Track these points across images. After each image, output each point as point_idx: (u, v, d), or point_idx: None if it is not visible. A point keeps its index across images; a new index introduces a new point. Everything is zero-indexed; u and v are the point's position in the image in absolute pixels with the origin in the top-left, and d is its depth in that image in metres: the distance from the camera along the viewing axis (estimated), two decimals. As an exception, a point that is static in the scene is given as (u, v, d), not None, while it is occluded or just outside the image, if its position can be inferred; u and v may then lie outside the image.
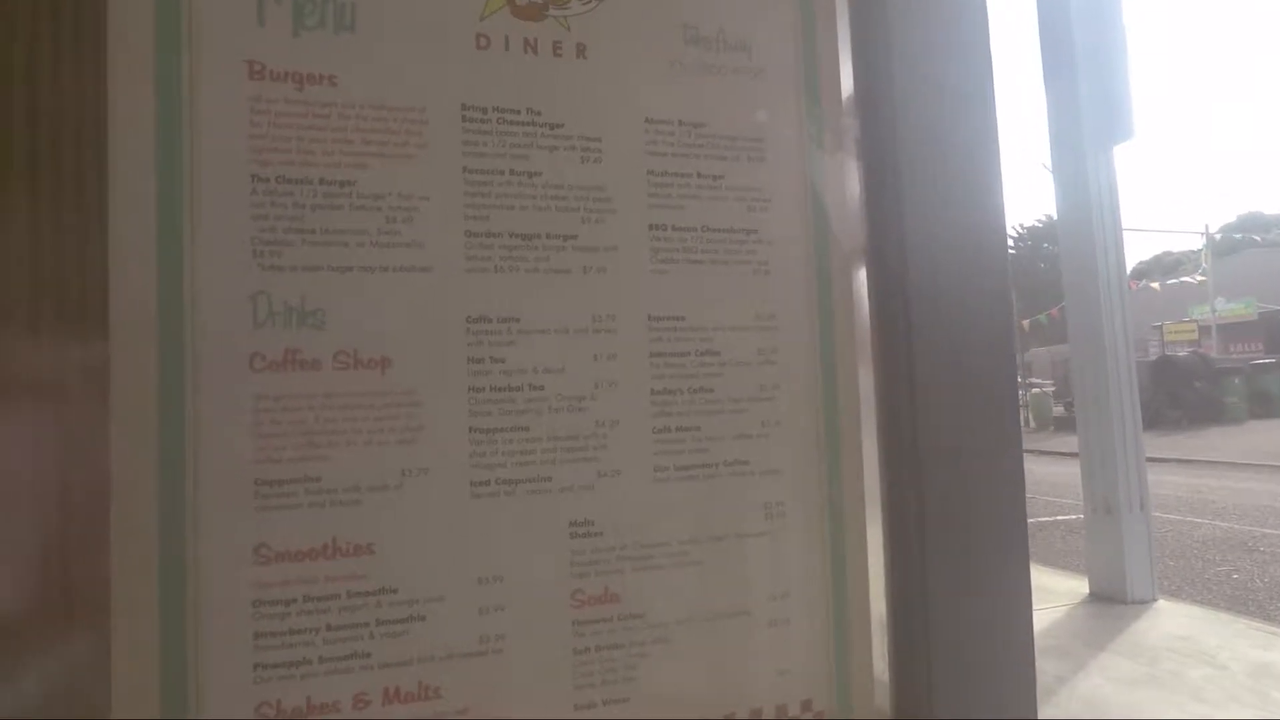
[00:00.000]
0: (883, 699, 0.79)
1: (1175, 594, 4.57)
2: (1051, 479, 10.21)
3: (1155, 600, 4.01)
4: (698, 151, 0.75)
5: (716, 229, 0.75)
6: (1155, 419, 15.13)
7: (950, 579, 0.77)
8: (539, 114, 0.70)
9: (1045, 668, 3.04)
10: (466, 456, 0.66)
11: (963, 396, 0.79)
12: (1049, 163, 4.75)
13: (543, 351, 0.68)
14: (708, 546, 0.72)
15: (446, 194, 0.67)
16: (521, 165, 0.69)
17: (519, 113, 0.70)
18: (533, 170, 0.70)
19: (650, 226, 0.73)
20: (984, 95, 0.81)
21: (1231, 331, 27.46)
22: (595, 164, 0.71)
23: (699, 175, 0.75)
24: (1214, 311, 26.48)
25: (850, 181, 0.81)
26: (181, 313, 0.60)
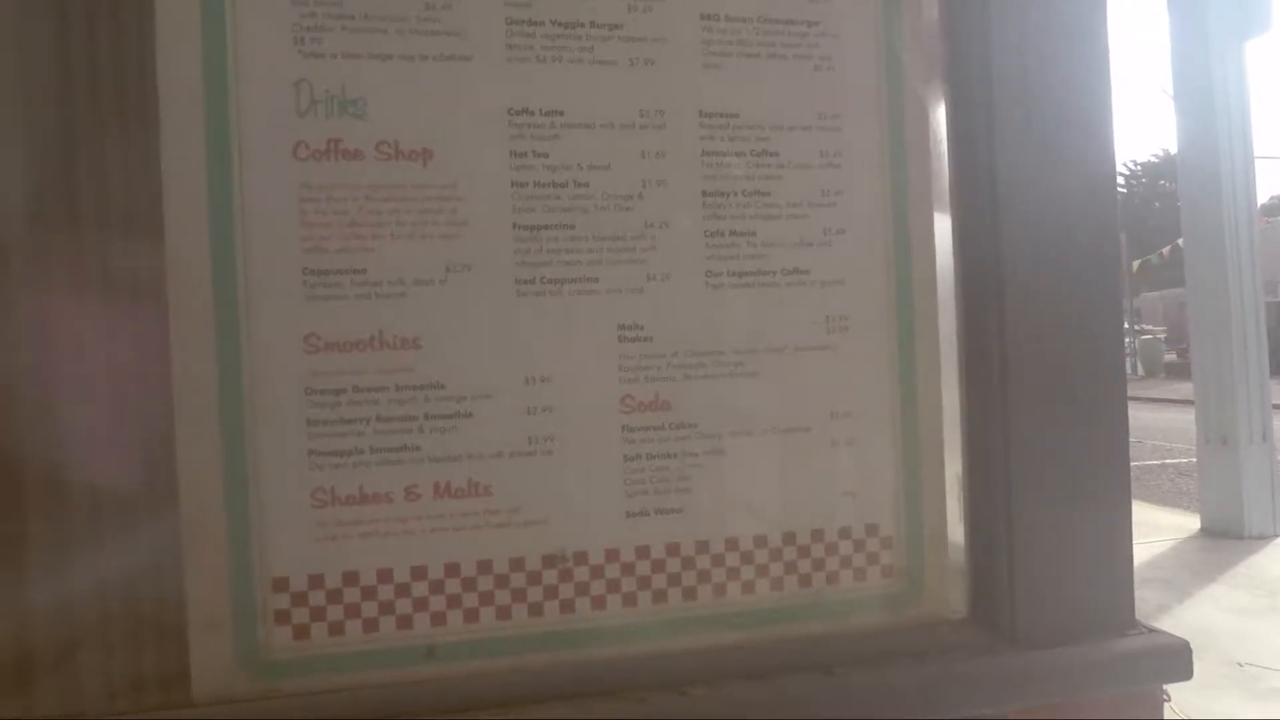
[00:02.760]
0: (956, 533, 0.74)
1: (1301, 536, 4.22)
2: (1161, 424, 9.58)
3: (1277, 536, 3.72)
4: (753, -66, 0.69)
5: (775, 19, 0.69)
6: (1284, 364, 13.90)
7: (1036, 448, 0.70)
8: (581, -105, 0.66)
9: (1147, 597, 2.88)
10: (511, 254, 0.64)
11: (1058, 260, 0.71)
12: (1170, 86, 4.30)
13: (588, 147, 0.65)
14: (764, 358, 0.69)
15: (485, -20, 0.64)
16: (563, -51, 0.65)
17: (559, -107, 0.66)
18: (574, -46, 0.65)
19: (702, 16, 0.68)
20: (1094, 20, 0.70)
21: (1380, 268, 24.70)
22: (641, -52, 0.67)
23: (755, -40, 0.69)
24: (1360, 246, 23.85)
25: (926, -32, 0.73)
26: (226, 100, 0.60)
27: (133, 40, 0.60)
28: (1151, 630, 0.73)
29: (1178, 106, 4.19)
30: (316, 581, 0.62)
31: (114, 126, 0.60)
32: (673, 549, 0.67)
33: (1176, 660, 0.71)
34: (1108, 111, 0.72)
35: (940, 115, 0.73)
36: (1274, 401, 4.13)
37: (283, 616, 0.61)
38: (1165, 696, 0.73)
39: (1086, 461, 0.72)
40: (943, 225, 0.73)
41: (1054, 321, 0.70)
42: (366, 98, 0.62)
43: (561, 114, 0.65)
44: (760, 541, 0.69)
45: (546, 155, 0.65)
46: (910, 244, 0.72)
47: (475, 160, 0.64)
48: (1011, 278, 0.70)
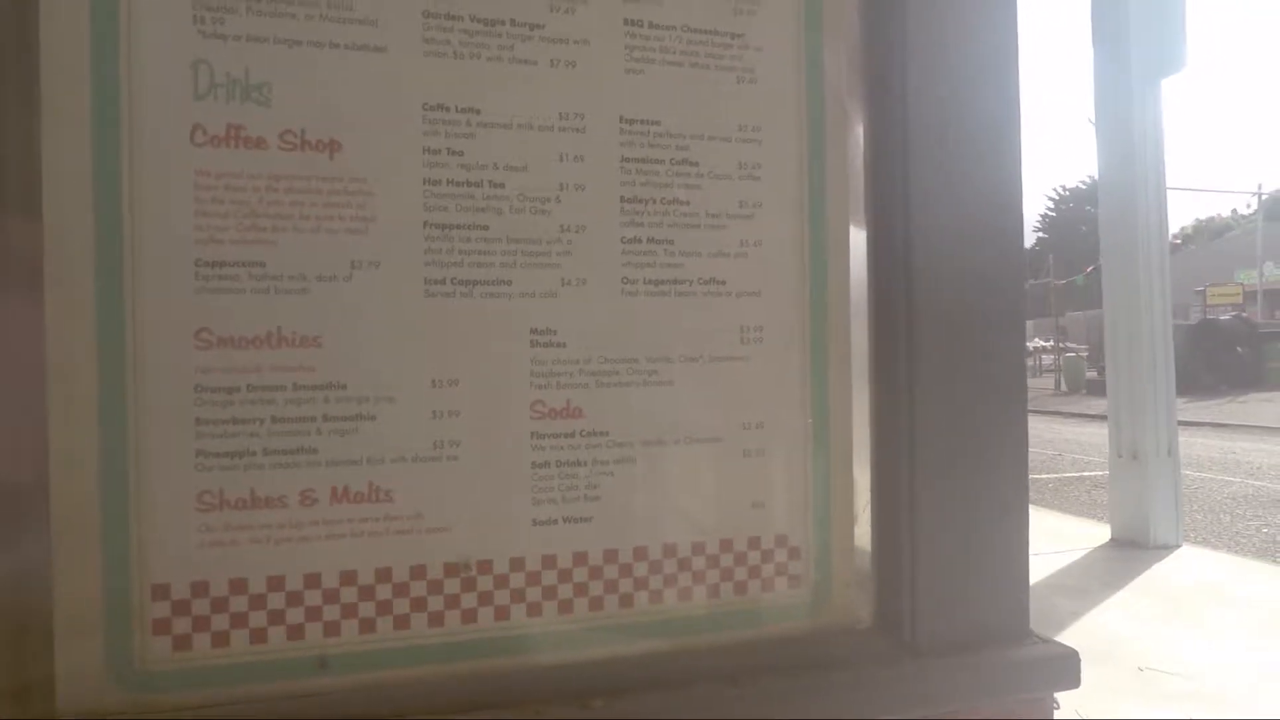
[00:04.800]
0: (864, 543, 0.76)
1: (1201, 545, 4.48)
2: (1081, 439, 10.04)
3: (1179, 546, 3.93)
4: (680, -57, 0.69)
5: (699, 30, 0.69)
6: (1192, 383, 14.74)
7: (940, 462, 0.72)
8: (505, -109, 0.65)
9: (1059, 604, 3.01)
10: (421, 252, 0.62)
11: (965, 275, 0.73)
12: (1094, 116, 4.50)
13: (504, 147, 0.64)
14: (679, 367, 0.69)
15: (402, -30, 0.62)
16: (484, -55, 0.64)
17: (483, -113, 0.64)
18: (497, -49, 0.64)
19: (626, 21, 0.67)
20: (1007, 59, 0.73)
21: (1279, 297, 26.48)
22: (566, -51, 0.66)
23: (680, -31, 0.69)
24: (1262, 276, 25.49)
25: (849, -11, 0.74)
26: (116, 77, 0.57)
27: (12, 6, 0.56)
28: (1044, 640, 0.76)
29: (1099, 136, 4.41)
30: (200, 589, 0.59)
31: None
32: (580, 558, 0.66)
33: (1066, 669, 0.74)
34: (1016, 135, 0.75)
35: (858, 133, 0.75)
36: (1181, 418, 4.37)
37: (162, 625, 0.58)
38: (1055, 705, 0.75)
39: (987, 476, 0.74)
40: (858, 239, 0.75)
41: (959, 337, 0.72)
42: (271, 83, 0.60)
43: (478, 112, 0.64)
44: (669, 551, 0.68)
45: (461, 153, 0.63)
46: (826, 258, 0.73)
47: (386, 154, 0.62)
48: (921, 293, 0.71)
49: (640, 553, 0.68)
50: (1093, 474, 6.97)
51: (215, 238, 0.59)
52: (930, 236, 0.71)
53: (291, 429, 0.60)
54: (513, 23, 0.64)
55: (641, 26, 0.68)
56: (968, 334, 0.72)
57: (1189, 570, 3.57)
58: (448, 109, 0.63)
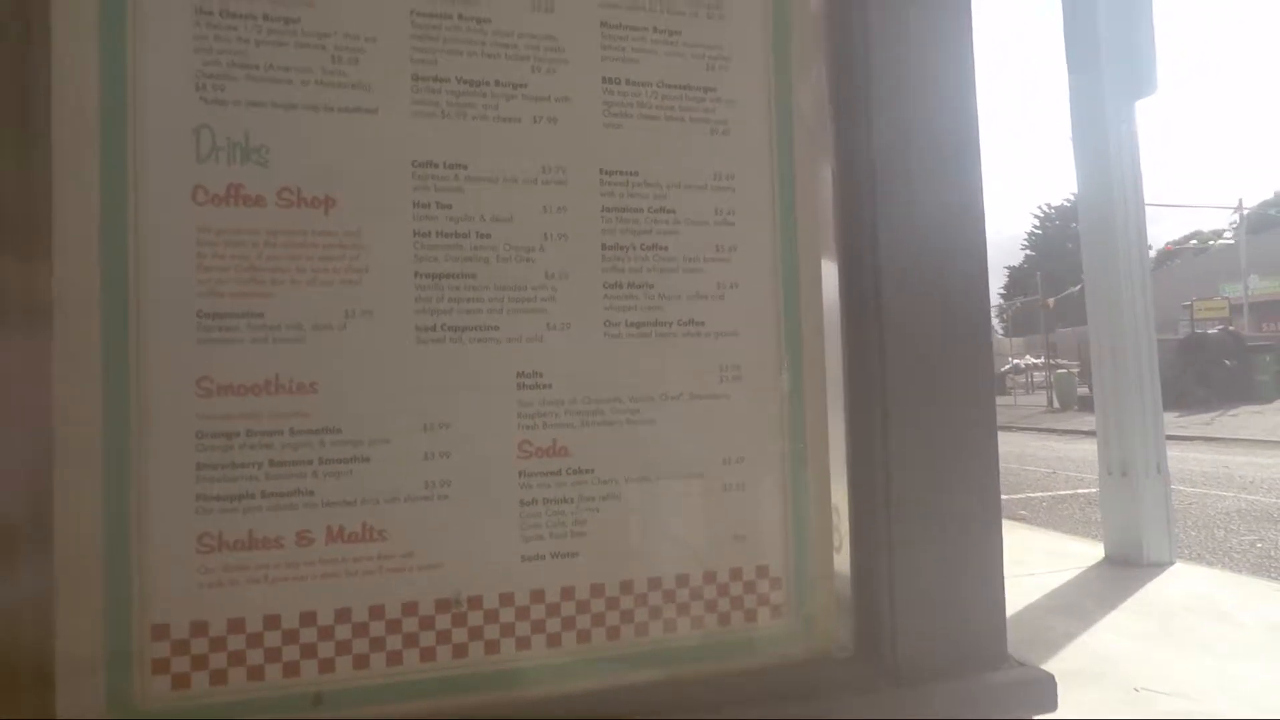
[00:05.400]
0: (843, 565, 0.78)
1: (1195, 561, 4.49)
2: (1075, 455, 10.09)
3: (1172, 563, 3.94)
4: (654, 5, 0.73)
5: (674, 85, 0.73)
6: (1182, 397, 14.82)
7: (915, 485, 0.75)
8: (489, -40, 0.69)
9: (1054, 624, 3.02)
10: (412, 301, 0.66)
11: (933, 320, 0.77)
12: (1071, 137, 4.60)
13: (490, 200, 0.68)
14: (660, 406, 0.72)
15: (393, 36, 0.66)
16: (470, 10, 0.68)
17: (468, -42, 0.68)
18: (482, 16, 0.68)
19: (604, 79, 0.71)
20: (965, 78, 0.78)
21: (1265, 309, 26.75)
22: (547, 13, 0.70)
23: (655, 30, 0.73)
24: (1246, 290, 25.77)
25: (815, 44, 0.79)
26: (125, 142, 0.60)
27: (29, 71, 0.59)
28: (1021, 664, 0.78)
29: (1077, 157, 4.50)
30: (199, 629, 0.61)
31: (7, 156, 0.60)
32: (568, 592, 0.68)
33: (1043, 693, 0.76)
34: (978, 174, 0.78)
35: (827, 175, 0.79)
36: (1173, 433, 4.40)
37: (161, 665, 0.60)
38: (1035, 727, 0.77)
39: (961, 505, 0.77)
40: (830, 276, 0.78)
41: (928, 365, 0.75)
42: (269, 145, 0.63)
43: (465, 167, 0.67)
44: (654, 584, 0.71)
45: (450, 206, 0.67)
46: (799, 297, 0.76)
47: (378, 209, 0.65)
48: (891, 326, 0.75)
49: (626, 586, 0.70)
50: (1086, 491, 7.00)
51: (216, 290, 0.62)
52: (899, 272, 0.75)
53: (289, 472, 0.63)
54: (497, 83, 0.68)
55: (619, 83, 0.71)
56: (937, 362, 0.76)
57: (1183, 588, 3.59)
58: (436, 165, 0.66)
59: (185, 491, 0.61)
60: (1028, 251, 45.04)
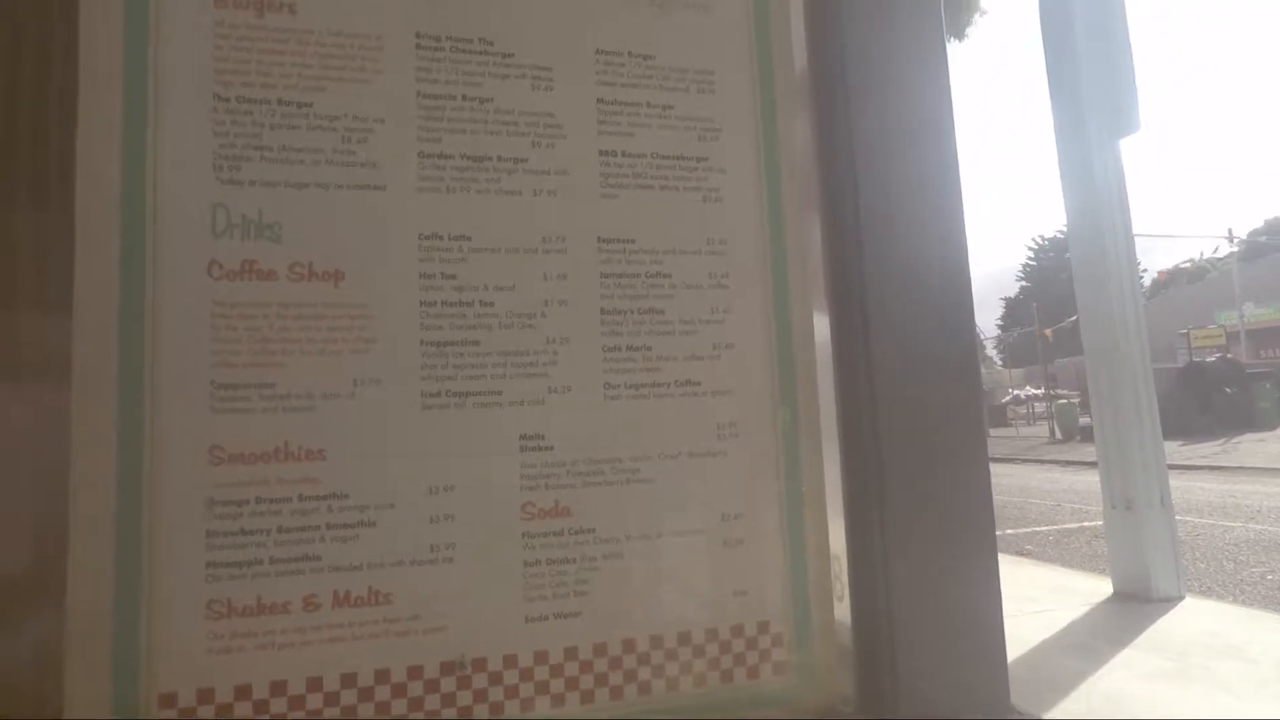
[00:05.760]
0: (844, 613, 0.79)
1: (1205, 595, 4.44)
2: (1079, 487, 10.04)
3: (1182, 598, 3.91)
4: (647, 82, 0.77)
5: (667, 155, 0.77)
6: (1185, 426, 14.79)
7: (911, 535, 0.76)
8: (491, 43, 0.73)
9: (1065, 664, 2.97)
10: (418, 368, 0.68)
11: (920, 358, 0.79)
12: (1059, 174, 4.70)
13: (493, 269, 0.70)
14: (659, 464, 0.73)
15: (400, 117, 0.70)
16: (474, 91, 0.72)
17: (471, 41, 0.72)
18: (484, 96, 0.72)
19: (600, 152, 0.74)
20: (942, 118, 0.82)
21: (1261, 337, 26.86)
22: (546, 92, 0.74)
23: (649, 105, 0.77)
24: (1242, 317, 25.89)
25: (800, 111, 0.82)
26: (144, 219, 0.63)
27: (55, 150, 0.62)
28: (1023, 715, 0.78)
29: (1064, 193, 4.57)
30: (206, 695, 0.62)
31: (30, 234, 0.62)
32: (571, 652, 0.69)
33: (1045, 743, 0.76)
34: (960, 220, 0.81)
35: (816, 233, 0.81)
36: (1177, 463, 4.38)
37: (171, 735, 0.60)
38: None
39: (958, 551, 0.78)
40: (821, 327, 0.80)
41: (918, 413, 0.77)
42: (282, 222, 0.66)
43: (469, 239, 0.70)
44: (656, 642, 0.72)
45: (454, 276, 0.69)
46: (792, 354, 0.78)
47: (386, 281, 0.68)
48: (882, 372, 0.77)
49: (629, 645, 0.71)
50: (1093, 524, 6.95)
51: (229, 361, 0.64)
52: (888, 319, 0.77)
53: (297, 538, 0.64)
54: (499, 158, 0.71)
55: (615, 156, 0.75)
56: (927, 412, 0.77)
57: (1194, 624, 3.55)
58: (441, 238, 0.69)
59: (196, 559, 0.62)
60: (1023, 283, 45.33)
